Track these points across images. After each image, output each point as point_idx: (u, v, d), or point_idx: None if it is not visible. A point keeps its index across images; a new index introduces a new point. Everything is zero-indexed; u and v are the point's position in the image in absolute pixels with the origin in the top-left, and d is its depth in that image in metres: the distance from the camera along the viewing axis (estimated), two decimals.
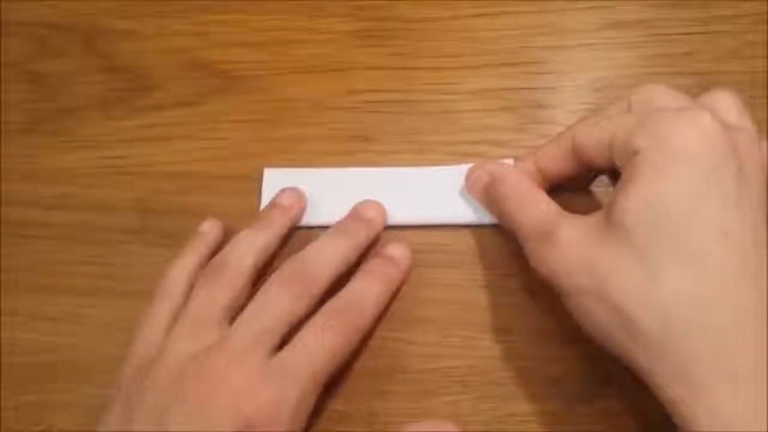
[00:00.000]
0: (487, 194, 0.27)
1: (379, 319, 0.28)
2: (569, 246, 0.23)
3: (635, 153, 0.22)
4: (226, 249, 0.27)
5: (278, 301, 0.25)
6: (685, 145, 0.21)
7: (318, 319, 0.25)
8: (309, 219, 0.30)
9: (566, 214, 0.24)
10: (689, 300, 0.20)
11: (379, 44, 0.32)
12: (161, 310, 0.26)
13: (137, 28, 0.34)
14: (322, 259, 0.27)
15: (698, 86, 0.30)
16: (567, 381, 0.26)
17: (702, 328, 0.20)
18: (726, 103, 0.24)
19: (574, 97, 0.31)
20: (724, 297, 0.20)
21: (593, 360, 0.26)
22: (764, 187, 0.22)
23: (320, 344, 0.25)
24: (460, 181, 0.29)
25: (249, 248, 0.27)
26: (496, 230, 0.28)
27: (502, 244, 0.28)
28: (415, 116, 0.31)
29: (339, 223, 0.29)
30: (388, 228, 0.29)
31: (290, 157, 0.31)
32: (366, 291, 0.27)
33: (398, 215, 0.29)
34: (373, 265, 0.28)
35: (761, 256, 0.21)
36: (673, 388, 0.20)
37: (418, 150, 0.31)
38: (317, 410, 0.27)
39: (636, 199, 0.21)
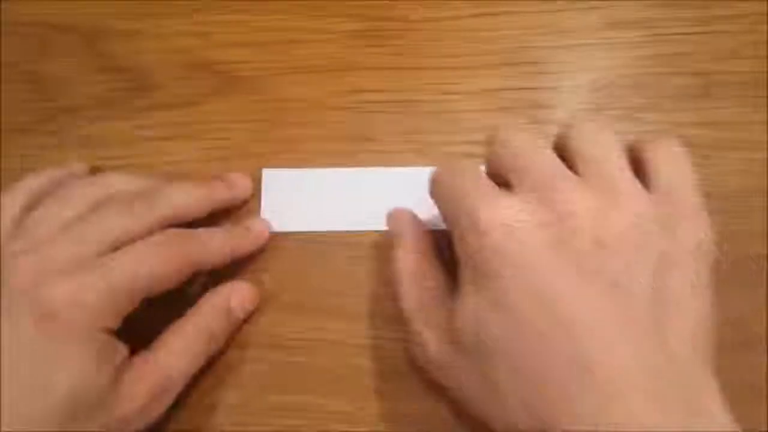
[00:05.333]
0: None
1: (379, 319, 0.28)
2: (428, 347, 0.24)
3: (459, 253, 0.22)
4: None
5: (113, 214, 0.25)
6: (483, 257, 0.21)
7: (156, 236, 0.25)
8: (308, 220, 0.30)
9: (429, 306, 0.24)
10: (525, 409, 0.20)
11: (379, 44, 0.32)
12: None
13: (138, 28, 0.34)
14: (178, 194, 0.27)
15: (698, 86, 0.30)
16: None
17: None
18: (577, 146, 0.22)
19: (574, 97, 0.31)
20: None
21: None
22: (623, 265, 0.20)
23: (147, 256, 0.24)
24: None
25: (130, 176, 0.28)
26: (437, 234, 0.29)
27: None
28: (415, 116, 0.31)
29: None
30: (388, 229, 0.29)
31: (290, 157, 0.31)
32: (215, 238, 0.27)
33: None
34: (231, 228, 0.29)
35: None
36: None
37: (418, 150, 0.31)
38: (317, 410, 0.27)
39: (460, 312, 0.22)
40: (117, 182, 0.27)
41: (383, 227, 0.29)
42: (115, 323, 0.24)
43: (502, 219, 0.21)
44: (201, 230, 0.27)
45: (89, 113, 0.33)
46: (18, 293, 0.23)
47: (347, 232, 0.29)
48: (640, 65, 0.31)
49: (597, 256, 0.20)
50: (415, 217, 0.27)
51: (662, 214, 0.21)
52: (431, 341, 0.23)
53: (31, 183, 0.28)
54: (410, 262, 0.25)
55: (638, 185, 0.22)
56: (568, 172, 0.22)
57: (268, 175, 0.31)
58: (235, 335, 0.28)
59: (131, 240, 0.25)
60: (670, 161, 0.22)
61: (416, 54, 0.32)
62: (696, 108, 0.30)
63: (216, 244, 0.27)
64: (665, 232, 0.21)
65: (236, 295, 0.27)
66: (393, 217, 0.27)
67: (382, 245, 0.29)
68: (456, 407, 0.27)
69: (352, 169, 0.30)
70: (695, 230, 0.21)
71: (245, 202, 0.30)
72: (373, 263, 0.29)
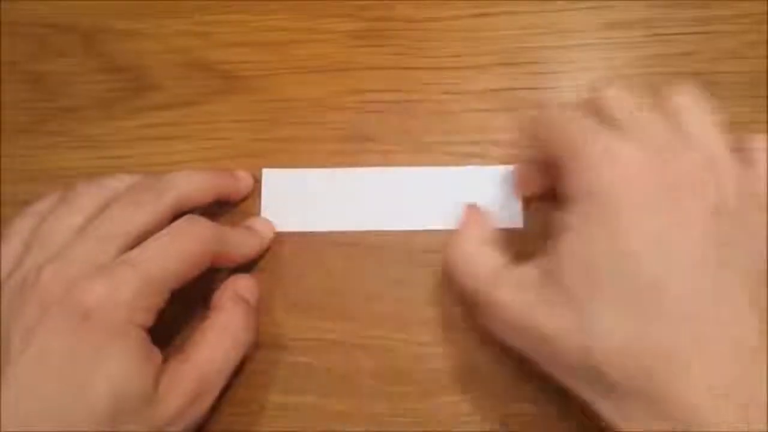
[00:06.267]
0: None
1: (379, 319, 0.28)
2: (506, 309, 0.23)
3: (567, 197, 0.22)
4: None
5: (123, 209, 0.25)
6: (605, 191, 0.21)
7: (178, 223, 0.25)
8: (308, 220, 0.30)
9: (504, 271, 0.24)
10: (627, 355, 0.20)
11: (379, 44, 0.32)
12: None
13: (137, 28, 0.34)
14: (182, 181, 0.27)
15: (698, 86, 0.30)
16: None
17: (644, 386, 0.20)
18: (687, 113, 0.23)
19: (574, 97, 0.30)
20: (665, 346, 0.20)
21: None
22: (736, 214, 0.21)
23: (172, 245, 0.24)
24: (461, 181, 0.29)
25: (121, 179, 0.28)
26: (495, 231, 0.28)
27: (502, 244, 0.28)
28: (415, 116, 0.31)
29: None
30: (388, 228, 0.29)
31: (290, 157, 0.31)
32: (231, 231, 0.27)
33: (398, 216, 0.29)
34: (238, 228, 0.29)
35: (715, 298, 0.20)
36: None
37: (418, 150, 0.31)
38: (317, 410, 0.27)
39: (568, 254, 0.21)
40: (121, 181, 0.27)
41: (383, 227, 0.29)
42: (149, 320, 0.24)
43: (639, 157, 0.21)
44: (228, 226, 0.27)
45: (89, 113, 0.33)
46: (49, 301, 0.22)
47: (346, 232, 0.30)
48: (640, 65, 0.31)
49: (717, 224, 0.20)
50: (478, 212, 0.28)
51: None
52: (508, 301, 0.23)
53: (40, 206, 0.27)
54: (468, 243, 0.26)
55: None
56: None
57: (268, 175, 0.31)
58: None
59: (147, 231, 0.25)
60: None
61: (416, 54, 0.32)
62: None
63: (232, 238, 0.27)
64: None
65: (241, 284, 0.28)
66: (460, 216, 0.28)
67: (382, 245, 0.29)
68: (456, 407, 0.27)
69: (352, 169, 0.30)
70: None
71: (245, 199, 0.30)
72: (373, 263, 0.29)
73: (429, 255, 0.29)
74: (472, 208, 0.28)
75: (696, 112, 0.23)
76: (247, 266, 0.29)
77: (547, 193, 0.27)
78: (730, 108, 0.29)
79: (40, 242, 0.25)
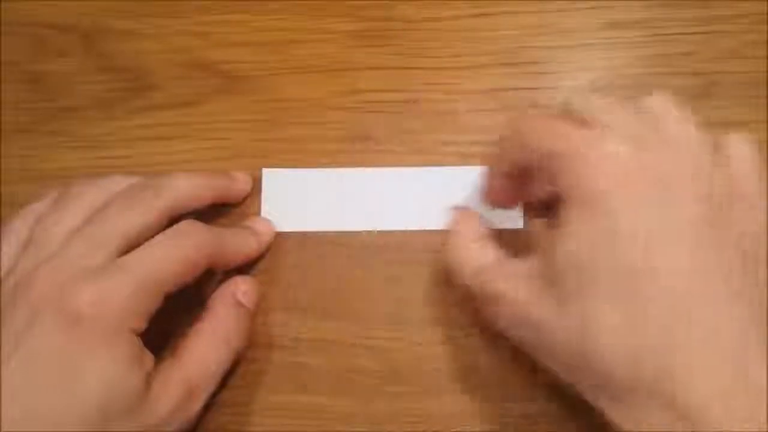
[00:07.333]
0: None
1: (379, 319, 0.28)
2: (506, 303, 0.23)
3: (562, 194, 0.22)
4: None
5: (119, 211, 0.25)
6: (598, 191, 0.21)
7: (174, 228, 0.25)
8: (308, 219, 0.30)
9: (501, 265, 0.24)
10: (623, 349, 0.20)
11: (379, 44, 0.32)
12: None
13: (137, 28, 0.34)
14: (179, 183, 0.27)
15: (698, 86, 0.30)
16: None
17: (638, 380, 0.20)
18: (664, 112, 0.23)
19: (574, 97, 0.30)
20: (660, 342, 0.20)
21: None
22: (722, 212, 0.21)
23: (167, 251, 0.24)
24: (461, 181, 0.29)
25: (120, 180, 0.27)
26: (495, 231, 0.28)
27: (502, 243, 0.28)
28: (415, 116, 0.31)
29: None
30: (388, 228, 0.29)
31: (290, 157, 0.31)
32: (228, 234, 0.27)
33: (398, 215, 0.29)
34: (237, 229, 0.29)
35: (713, 293, 0.20)
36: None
37: (418, 150, 0.31)
38: (317, 410, 0.27)
39: (563, 253, 0.21)
40: (117, 183, 0.27)
41: (382, 227, 0.29)
42: (141, 324, 0.24)
43: (628, 155, 0.21)
44: (226, 228, 0.27)
45: (89, 113, 0.33)
46: (42, 303, 0.22)
47: (347, 232, 0.30)
48: (640, 65, 0.31)
49: (707, 210, 0.21)
50: (469, 212, 0.28)
51: None
52: (502, 291, 0.23)
53: (37, 206, 0.27)
54: (459, 242, 0.26)
55: None
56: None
57: (268, 175, 0.31)
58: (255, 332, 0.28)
59: (143, 233, 0.25)
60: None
61: (416, 54, 0.32)
62: (696, 108, 0.30)
63: (230, 240, 0.27)
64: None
65: (240, 288, 0.27)
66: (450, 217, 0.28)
67: (382, 245, 0.29)
68: (456, 407, 0.27)
69: (352, 169, 0.30)
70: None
71: (244, 199, 0.30)
72: (373, 263, 0.29)
73: (429, 255, 0.29)
74: (461, 210, 0.28)
75: (673, 112, 0.23)
76: (247, 266, 0.29)
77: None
78: (730, 108, 0.30)
79: (35, 244, 0.25)
